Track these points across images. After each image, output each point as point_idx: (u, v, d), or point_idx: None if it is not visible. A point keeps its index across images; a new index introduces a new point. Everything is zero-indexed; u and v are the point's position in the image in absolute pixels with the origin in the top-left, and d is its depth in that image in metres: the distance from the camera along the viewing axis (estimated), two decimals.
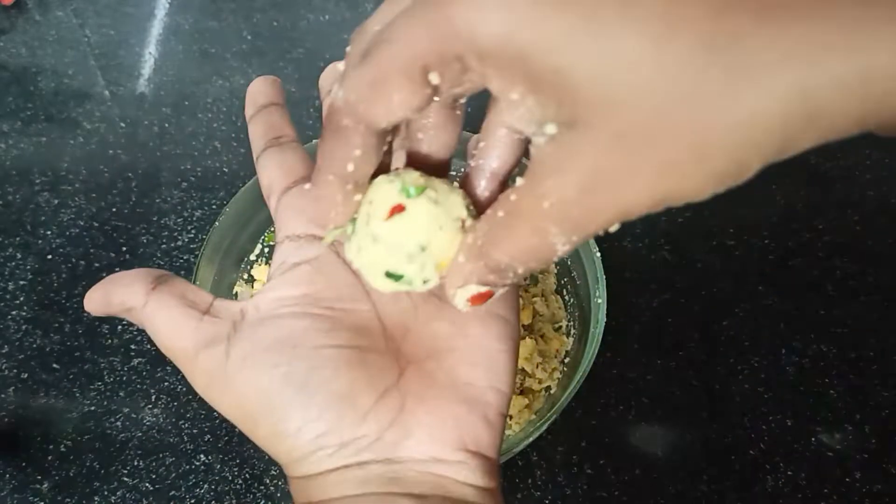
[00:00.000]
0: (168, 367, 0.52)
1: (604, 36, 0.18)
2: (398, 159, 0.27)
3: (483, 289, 0.24)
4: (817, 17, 0.18)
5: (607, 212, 0.20)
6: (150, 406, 0.50)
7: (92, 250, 0.58)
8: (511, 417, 0.46)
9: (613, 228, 0.21)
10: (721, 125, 0.18)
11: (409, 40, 0.21)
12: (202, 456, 0.48)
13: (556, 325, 0.49)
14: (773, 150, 0.19)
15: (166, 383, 0.51)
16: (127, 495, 0.47)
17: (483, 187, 0.26)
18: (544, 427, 0.43)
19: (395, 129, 0.24)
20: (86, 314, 0.54)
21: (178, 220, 0.59)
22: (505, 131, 0.25)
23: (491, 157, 0.25)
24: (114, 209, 0.60)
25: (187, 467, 0.48)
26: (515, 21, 0.19)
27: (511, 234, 0.22)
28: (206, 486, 0.47)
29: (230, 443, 0.49)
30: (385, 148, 0.24)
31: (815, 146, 0.19)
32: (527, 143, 0.24)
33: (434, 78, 0.21)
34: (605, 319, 0.45)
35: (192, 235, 0.58)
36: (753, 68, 0.18)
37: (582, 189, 0.20)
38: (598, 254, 0.47)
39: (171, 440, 0.49)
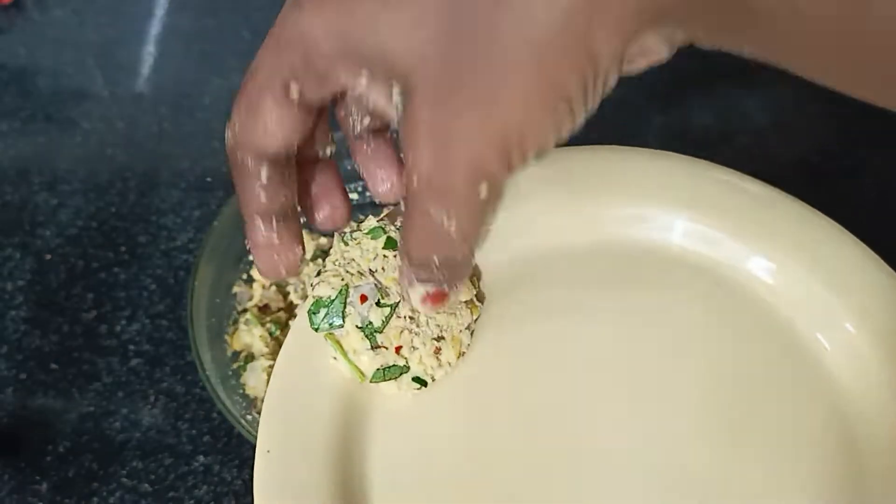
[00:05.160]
0: (167, 368, 0.51)
1: (399, 20, 0.20)
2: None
3: (430, 288, 0.25)
4: None
5: (462, 168, 0.21)
6: (149, 407, 0.50)
7: (90, 250, 0.58)
8: None
9: (483, 195, 0.21)
10: (528, 60, 0.19)
11: (263, 64, 0.25)
12: (201, 457, 0.48)
13: None
14: (584, 65, 0.20)
15: (165, 384, 0.51)
16: (126, 496, 0.46)
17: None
18: None
19: (297, 161, 0.26)
20: (84, 314, 0.54)
21: (177, 219, 0.59)
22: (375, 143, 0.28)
23: (379, 160, 0.28)
24: (112, 209, 0.60)
25: (186, 468, 0.48)
26: (336, 20, 0.21)
27: (407, 226, 0.23)
28: (205, 487, 0.47)
29: (229, 444, 0.48)
30: (292, 177, 0.26)
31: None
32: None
33: (294, 91, 0.23)
34: None
35: (190, 235, 0.58)
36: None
37: (432, 151, 0.21)
38: None
39: (170, 441, 0.49)
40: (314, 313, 0.29)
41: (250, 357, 0.47)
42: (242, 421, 0.43)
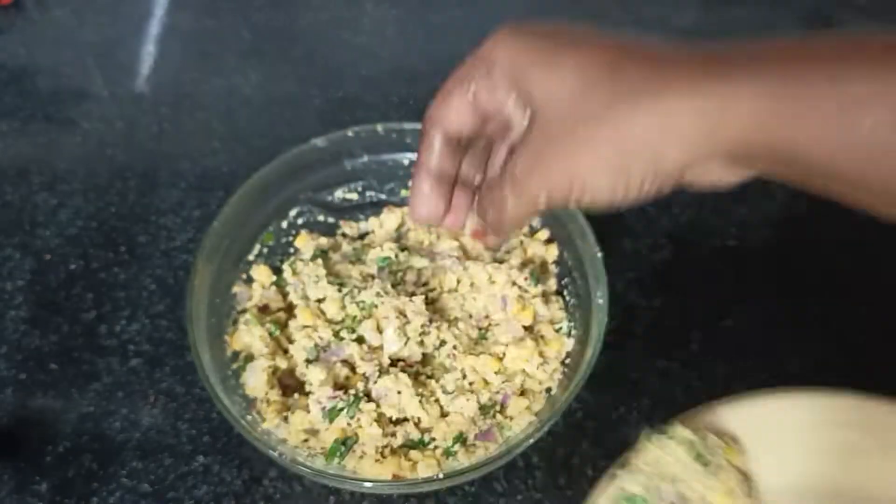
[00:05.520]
0: (167, 368, 0.51)
1: (553, 72, 0.30)
2: None
3: (478, 227, 0.38)
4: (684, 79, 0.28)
5: (538, 181, 0.31)
6: (149, 407, 0.50)
7: (90, 250, 0.58)
8: (511, 419, 0.46)
9: (540, 202, 0.32)
10: (609, 139, 0.29)
11: (463, 68, 0.34)
12: (201, 457, 0.48)
13: (557, 327, 0.49)
14: (648, 162, 0.29)
15: (165, 384, 0.51)
16: (125, 496, 0.46)
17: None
18: (545, 429, 0.43)
19: (466, 147, 0.37)
20: (84, 314, 0.54)
21: (177, 219, 0.59)
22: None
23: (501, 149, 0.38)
24: (112, 209, 0.60)
25: (186, 468, 0.48)
26: (516, 52, 0.32)
27: (487, 188, 0.36)
28: (204, 487, 0.47)
29: (229, 444, 0.48)
30: (459, 157, 0.37)
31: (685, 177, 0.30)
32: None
33: (471, 91, 0.33)
34: (606, 320, 0.45)
35: (190, 235, 0.58)
36: (633, 102, 0.28)
37: (523, 170, 0.32)
38: (600, 254, 0.47)
39: (170, 441, 0.49)
40: None
41: (250, 357, 0.47)
42: (242, 421, 0.43)
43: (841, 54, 0.26)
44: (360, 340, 0.46)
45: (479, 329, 0.49)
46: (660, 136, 0.28)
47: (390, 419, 0.45)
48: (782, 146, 0.27)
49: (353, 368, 0.46)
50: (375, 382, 0.45)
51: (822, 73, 0.25)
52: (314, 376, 0.45)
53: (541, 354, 0.47)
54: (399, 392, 0.44)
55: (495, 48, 0.32)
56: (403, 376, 0.45)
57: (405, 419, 0.45)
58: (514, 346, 0.47)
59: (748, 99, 0.26)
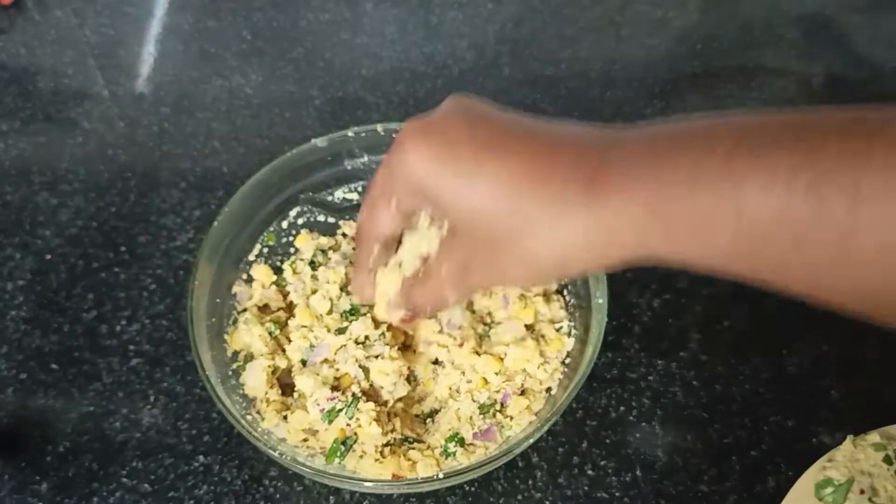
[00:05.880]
0: (167, 368, 0.51)
1: (464, 187, 0.33)
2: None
3: (406, 316, 0.41)
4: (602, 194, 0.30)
5: (470, 283, 0.37)
6: (149, 407, 0.50)
7: (91, 250, 0.58)
8: (511, 418, 0.46)
9: (464, 300, 0.43)
10: (522, 253, 0.32)
11: (379, 182, 0.38)
12: (201, 457, 0.48)
13: (557, 326, 0.49)
14: (557, 268, 0.33)
15: (165, 384, 0.51)
16: (126, 496, 0.46)
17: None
18: (545, 428, 0.43)
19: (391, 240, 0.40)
20: (84, 314, 0.54)
21: (177, 219, 0.59)
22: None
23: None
24: (112, 209, 0.60)
25: (186, 468, 0.48)
26: (425, 172, 0.34)
27: (424, 286, 0.39)
28: (205, 487, 0.47)
29: (229, 444, 0.48)
30: (387, 253, 0.41)
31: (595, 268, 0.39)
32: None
33: (394, 204, 0.37)
34: (605, 320, 0.45)
35: (190, 235, 0.58)
36: (537, 223, 0.32)
37: (456, 269, 0.37)
38: None
39: (170, 441, 0.49)
40: (822, 487, 0.44)
41: (249, 357, 0.47)
42: (242, 421, 0.43)
43: (694, 163, 0.28)
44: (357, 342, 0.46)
45: (485, 325, 0.49)
46: (562, 251, 0.32)
47: (385, 403, 0.45)
48: (663, 256, 0.30)
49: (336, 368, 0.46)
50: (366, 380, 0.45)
51: (679, 189, 0.28)
52: (304, 385, 0.45)
53: (541, 354, 0.47)
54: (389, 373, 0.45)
55: (407, 160, 0.34)
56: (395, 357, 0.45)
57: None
58: (515, 346, 0.47)
59: (628, 221, 0.30)
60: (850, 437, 0.46)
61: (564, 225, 0.31)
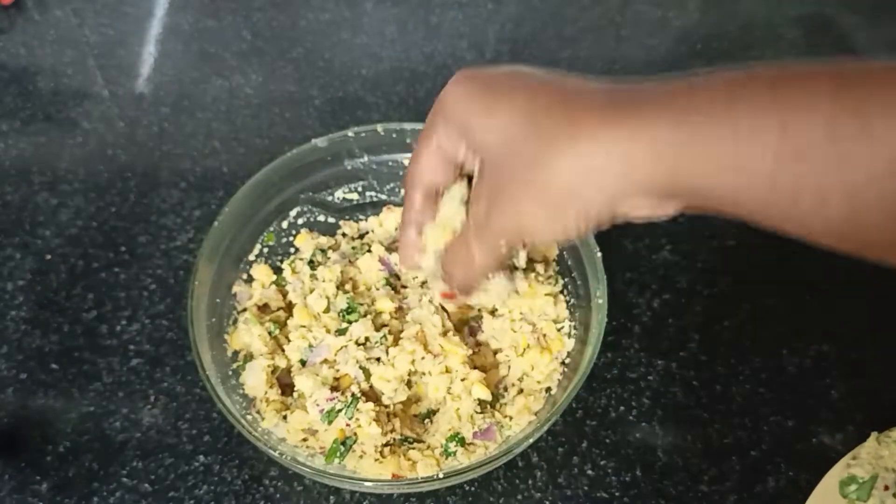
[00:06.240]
0: (167, 368, 0.51)
1: (490, 120, 0.33)
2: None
3: (446, 290, 0.40)
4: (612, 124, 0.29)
5: (492, 231, 0.34)
6: (149, 407, 0.50)
7: (91, 250, 0.58)
8: (511, 418, 0.46)
9: (503, 249, 0.35)
10: (541, 185, 0.31)
11: (427, 126, 0.37)
12: (201, 457, 0.48)
13: (558, 326, 0.49)
14: (576, 204, 0.31)
15: (165, 384, 0.51)
16: (126, 496, 0.46)
17: None
18: (545, 428, 0.43)
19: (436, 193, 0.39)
20: (84, 314, 0.54)
21: (177, 219, 0.59)
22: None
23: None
24: (112, 209, 0.60)
25: (186, 468, 0.48)
26: (460, 108, 0.34)
27: (453, 247, 0.38)
28: (205, 486, 0.47)
29: (229, 444, 0.48)
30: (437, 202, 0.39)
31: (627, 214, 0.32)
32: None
33: (434, 142, 0.36)
34: (605, 320, 0.45)
35: (190, 235, 0.58)
36: (556, 150, 0.30)
37: (480, 218, 0.35)
38: (599, 254, 0.47)
39: (170, 441, 0.49)
40: (846, 485, 0.44)
41: (249, 356, 0.47)
42: (242, 421, 0.43)
43: (732, 89, 0.27)
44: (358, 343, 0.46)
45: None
46: (581, 179, 0.30)
47: (385, 407, 0.45)
48: (690, 183, 0.28)
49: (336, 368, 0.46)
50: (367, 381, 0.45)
51: (714, 111, 0.26)
52: (303, 385, 0.45)
53: (541, 354, 0.47)
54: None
55: (447, 97, 0.35)
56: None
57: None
58: (513, 337, 0.47)
59: (651, 142, 0.28)
60: (874, 434, 0.46)
61: (580, 147, 0.29)
